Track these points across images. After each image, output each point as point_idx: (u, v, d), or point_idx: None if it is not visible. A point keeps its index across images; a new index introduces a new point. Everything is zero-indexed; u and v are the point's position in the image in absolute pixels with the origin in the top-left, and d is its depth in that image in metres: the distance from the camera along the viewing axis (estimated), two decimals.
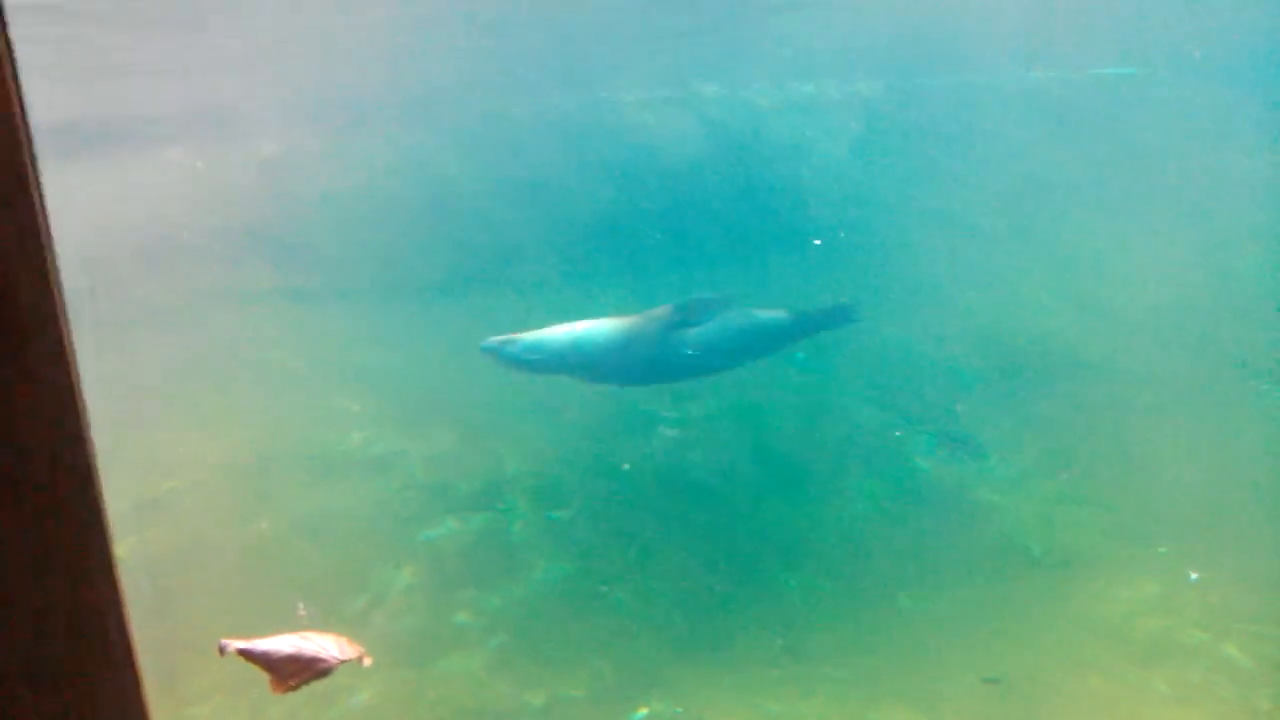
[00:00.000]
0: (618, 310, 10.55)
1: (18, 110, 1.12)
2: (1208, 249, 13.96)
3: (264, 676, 3.28)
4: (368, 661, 3.40)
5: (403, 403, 12.13)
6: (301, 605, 8.80)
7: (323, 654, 3.32)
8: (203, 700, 8.07)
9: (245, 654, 3.25)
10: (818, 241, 15.03)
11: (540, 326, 9.98)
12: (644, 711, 8.11)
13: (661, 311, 10.23)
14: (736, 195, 15.84)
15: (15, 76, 1.14)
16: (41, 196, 1.12)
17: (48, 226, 1.13)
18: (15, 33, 1.17)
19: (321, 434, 11.63)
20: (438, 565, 9.69)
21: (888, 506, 10.77)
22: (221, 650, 3.23)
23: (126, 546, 9.78)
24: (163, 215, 16.05)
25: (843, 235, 14.91)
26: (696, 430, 11.61)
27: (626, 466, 10.91)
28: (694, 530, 10.13)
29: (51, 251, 1.13)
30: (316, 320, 14.14)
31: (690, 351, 9.80)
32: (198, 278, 15.04)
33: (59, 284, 1.12)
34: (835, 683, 8.24)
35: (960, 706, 8.01)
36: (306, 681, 3.21)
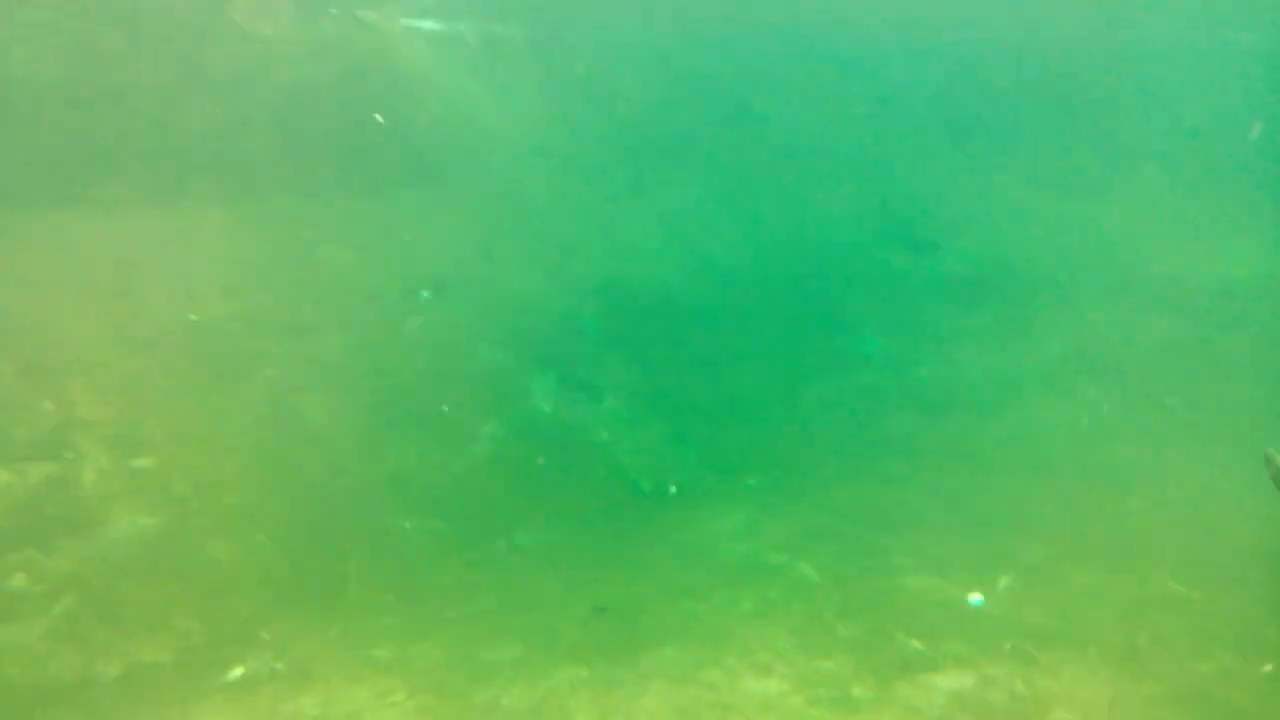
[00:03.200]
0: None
1: None
2: (811, 212, 15.55)
3: None
4: None
5: None
6: None
7: None
8: None
9: None
10: (379, 118, 14.50)
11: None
12: (239, 670, 7.48)
13: None
14: (358, 121, 14.98)
15: None
16: None
17: None
18: None
19: None
20: None
21: (509, 447, 10.80)
22: None
23: None
24: None
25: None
26: (310, 367, 10.87)
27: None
28: (301, 474, 9.49)
29: None
30: None
31: None
32: None
33: None
34: (449, 624, 8.12)
35: (572, 637, 8.21)
36: None
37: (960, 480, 10.71)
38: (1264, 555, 9.18)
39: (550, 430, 11.11)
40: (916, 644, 7.78)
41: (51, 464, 8.95)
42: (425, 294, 12.42)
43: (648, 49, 19.09)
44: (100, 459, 9.14)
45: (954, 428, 11.88)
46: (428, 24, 17.29)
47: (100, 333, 10.60)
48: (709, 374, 12.26)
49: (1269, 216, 16.97)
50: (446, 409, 10.73)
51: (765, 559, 9.40)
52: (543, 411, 11.29)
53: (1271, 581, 8.73)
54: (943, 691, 7.18)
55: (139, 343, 10.63)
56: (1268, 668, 7.47)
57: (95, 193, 12.85)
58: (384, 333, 11.83)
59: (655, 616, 8.43)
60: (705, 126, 17.64)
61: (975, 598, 8.53)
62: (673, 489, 10.01)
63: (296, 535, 8.89)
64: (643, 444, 11.21)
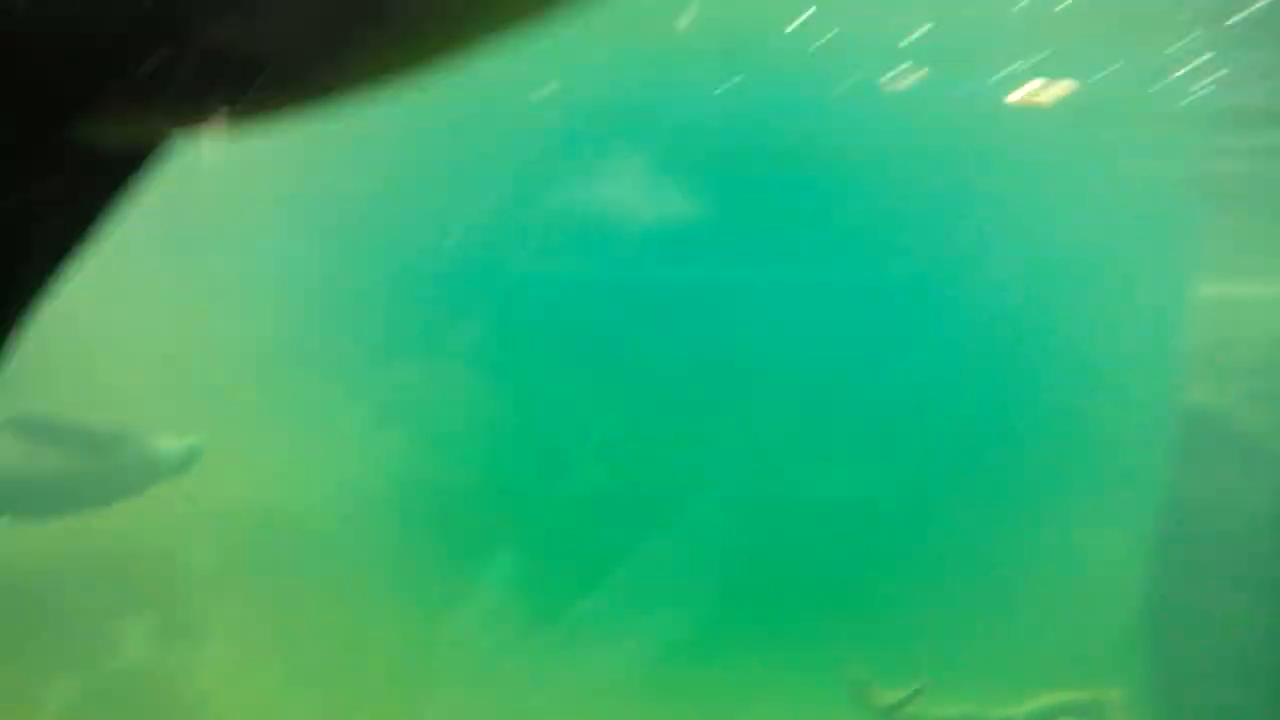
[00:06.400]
0: None
1: None
2: None
3: None
4: None
5: None
6: None
7: None
8: None
9: None
10: None
11: None
12: None
13: None
14: None
15: None
16: None
17: None
18: None
19: None
20: None
21: (96, 713, 9.54)
22: None
23: None
24: None
25: None
26: None
27: None
28: None
29: None
30: None
31: None
32: None
33: None
34: None
35: None
36: None
37: None
38: None
39: (139, 685, 9.90)
40: None
41: None
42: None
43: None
44: None
45: None
46: None
47: None
48: (320, 614, 11.55)
49: None
50: None
51: None
52: (128, 665, 10.05)
53: None
54: None
55: None
56: None
57: None
58: None
59: None
60: None
61: None
62: None
63: None
64: (255, 690, 10.27)
